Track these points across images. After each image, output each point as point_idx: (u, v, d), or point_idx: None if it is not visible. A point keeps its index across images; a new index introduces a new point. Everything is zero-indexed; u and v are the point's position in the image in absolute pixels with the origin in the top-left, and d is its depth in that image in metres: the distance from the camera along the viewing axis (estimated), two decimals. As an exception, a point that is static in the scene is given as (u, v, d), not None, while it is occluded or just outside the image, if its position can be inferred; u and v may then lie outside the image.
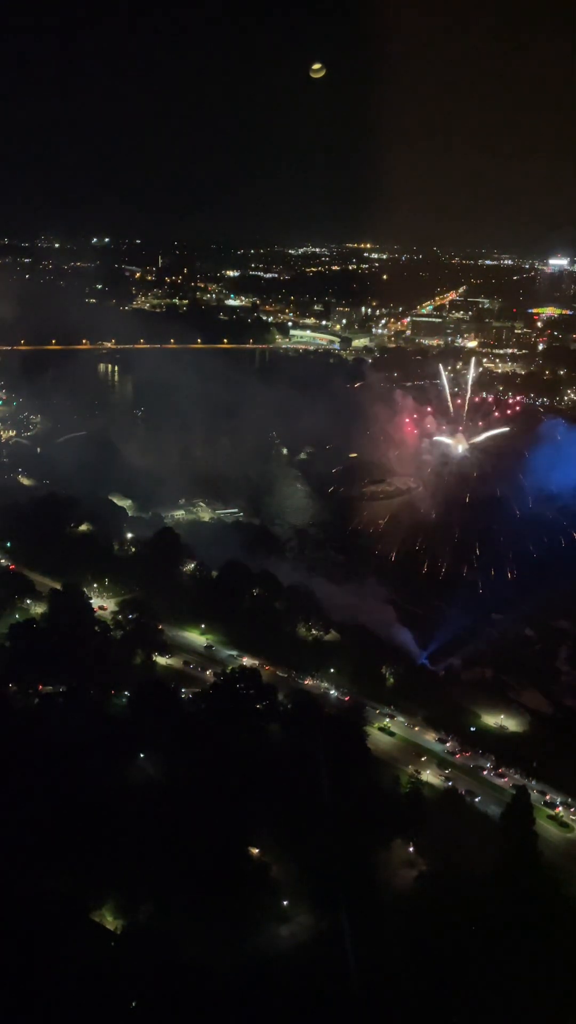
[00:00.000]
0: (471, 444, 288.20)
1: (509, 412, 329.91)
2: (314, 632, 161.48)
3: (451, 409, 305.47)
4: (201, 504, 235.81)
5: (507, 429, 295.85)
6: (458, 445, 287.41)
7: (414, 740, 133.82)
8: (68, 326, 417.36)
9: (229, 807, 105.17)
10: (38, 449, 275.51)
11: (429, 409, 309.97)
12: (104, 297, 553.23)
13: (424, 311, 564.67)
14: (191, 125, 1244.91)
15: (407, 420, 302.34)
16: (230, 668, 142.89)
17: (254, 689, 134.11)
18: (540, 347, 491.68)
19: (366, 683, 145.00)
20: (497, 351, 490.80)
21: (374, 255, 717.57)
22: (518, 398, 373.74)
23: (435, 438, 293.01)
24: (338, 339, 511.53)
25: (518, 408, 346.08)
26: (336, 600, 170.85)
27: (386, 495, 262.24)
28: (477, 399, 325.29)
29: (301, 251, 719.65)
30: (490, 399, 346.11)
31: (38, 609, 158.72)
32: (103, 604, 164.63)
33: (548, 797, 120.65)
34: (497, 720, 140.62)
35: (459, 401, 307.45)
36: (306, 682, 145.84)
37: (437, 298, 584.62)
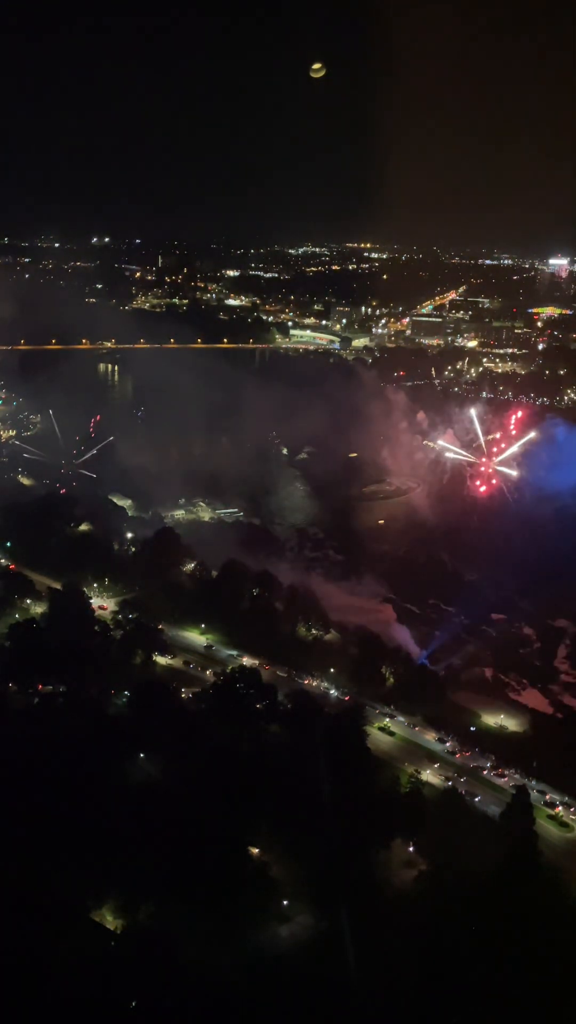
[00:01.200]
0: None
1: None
2: (314, 632, 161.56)
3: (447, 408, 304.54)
4: (201, 504, 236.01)
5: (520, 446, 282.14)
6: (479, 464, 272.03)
7: (414, 740, 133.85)
8: (68, 326, 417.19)
9: (229, 807, 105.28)
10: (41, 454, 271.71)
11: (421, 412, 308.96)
12: (104, 297, 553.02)
13: (424, 311, 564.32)
14: (191, 124, 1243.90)
15: (406, 420, 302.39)
16: (230, 668, 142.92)
17: (254, 689, 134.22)
18: (540, 347, 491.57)
19: (366, 683, 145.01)
20: (497, 351, 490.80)
21: (374, 255, 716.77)
22: (519, 397, 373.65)
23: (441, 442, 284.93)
24: (338, 339, 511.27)
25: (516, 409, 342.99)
26: (336, 600, 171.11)
27: (385, 495, 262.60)
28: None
29: (301, 251, 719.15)
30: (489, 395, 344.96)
31: (38, 609, 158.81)
32: (103, 604, 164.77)
33: (548, 797, 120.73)
34: (497, 720, 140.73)
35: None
36: (306, 682, 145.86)
37: (437, 298, 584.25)
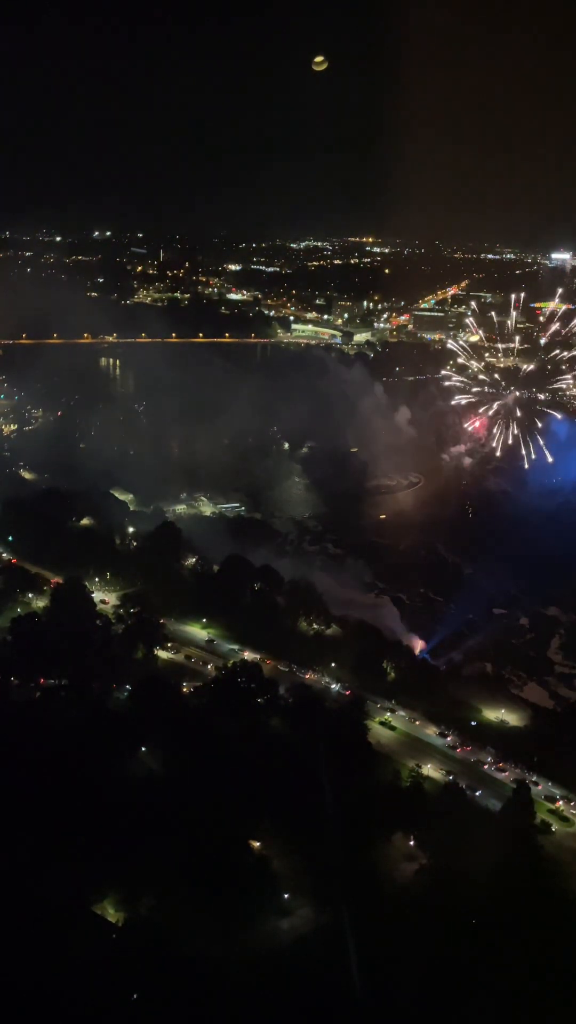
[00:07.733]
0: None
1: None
2: (315, 626, 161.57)
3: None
4: (202, 498, 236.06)
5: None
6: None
7: (415, 734, 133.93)
8: (69, 320, 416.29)
9: (230, 800, 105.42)
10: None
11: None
12: (105, 291, 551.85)
13: (426, 305, 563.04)
14: (193, 119, 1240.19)
15: (408, 415, 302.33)
16: (231, 662, 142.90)
17: (255, 683, 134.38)
18: (542, 341, 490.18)
19: (367, 677, 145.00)
20: (499, 345, 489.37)
21: (376, 249, 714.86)
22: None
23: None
24: (340, 333, 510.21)
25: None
26: (337, 594, 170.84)
27: (387, 489, 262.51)
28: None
29: (303, 245, 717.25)
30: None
31: (40, 603, 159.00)
32: (105, 598, 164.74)
33: (543, 788, 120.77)
34: (498, 714, 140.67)
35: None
36: (307, 676, 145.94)
37: (439, 292, 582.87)
